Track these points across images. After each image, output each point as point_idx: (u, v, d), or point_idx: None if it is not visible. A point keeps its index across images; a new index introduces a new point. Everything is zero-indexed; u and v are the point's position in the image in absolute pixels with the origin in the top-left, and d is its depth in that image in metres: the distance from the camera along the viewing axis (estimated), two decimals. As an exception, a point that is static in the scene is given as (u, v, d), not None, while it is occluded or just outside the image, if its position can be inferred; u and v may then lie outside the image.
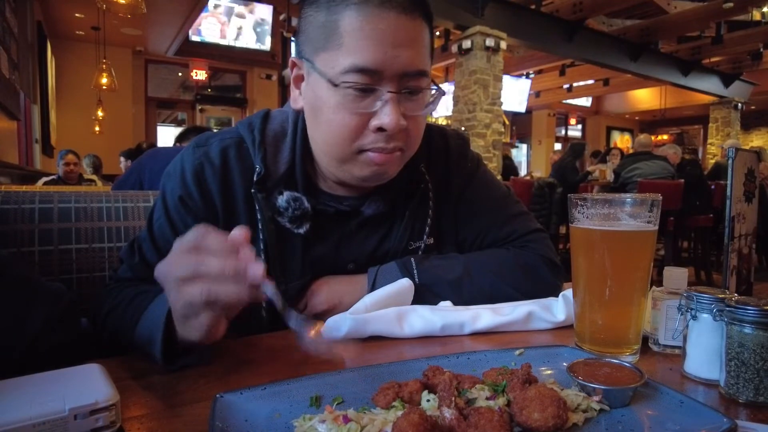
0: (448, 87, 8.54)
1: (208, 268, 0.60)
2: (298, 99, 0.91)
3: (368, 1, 0.79)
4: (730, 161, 0.87)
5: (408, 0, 0.81)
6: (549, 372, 0.64)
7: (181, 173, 0.91)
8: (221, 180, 0.91)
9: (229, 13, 11.18)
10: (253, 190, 0.90)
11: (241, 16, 11.27)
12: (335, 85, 0.80)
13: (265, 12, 11.31)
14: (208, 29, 11.02)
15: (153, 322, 0.70)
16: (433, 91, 0.88)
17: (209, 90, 12.62)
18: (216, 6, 10.85)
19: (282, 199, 0.91)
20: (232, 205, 0.91)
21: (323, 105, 0.83)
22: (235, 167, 0.92)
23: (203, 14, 10.03)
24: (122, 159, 7.13)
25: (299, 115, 0.94)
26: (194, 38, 10.88)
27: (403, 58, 0.81)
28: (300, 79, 0.90)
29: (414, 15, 0.82)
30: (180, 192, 0.90)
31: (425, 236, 1.02)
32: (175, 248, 0.64)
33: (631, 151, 8.18)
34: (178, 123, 12.83)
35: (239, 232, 0.63)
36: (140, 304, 0.76)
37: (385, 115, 0.81)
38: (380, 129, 0.82)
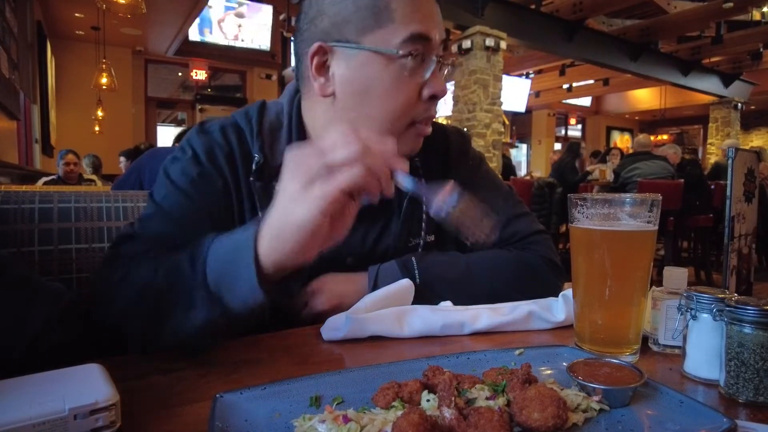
0: (448, 86, 8.53)
1: (370, 144, 0.61)
2: (325, 86, 0.90)
3: None
4: (729, 161, 0.87)
5: None
6: (549, 372, 0.64)
7: (193, 155, 0.91)
8: (230, 163, 0.92)
9: (229, 12, 11.17)
10: (251, 179, 0.91)
11: (240, 15, 11.27)
12: (396, 57, 0.85)
13: (265, 12, 11.31)
14: (208, 29, 11.02)
15: (234, 249, 0.66)
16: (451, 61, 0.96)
17: (209, 90, 12.62)
18: (216, 6, 10.84)
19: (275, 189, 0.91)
20: (238, 186, 0.92)
21: (376, 83, 0.87)
22: (237, 153, 0.93)
23: (203, 14, 10.02)
24: (122, 159, 7.13)
25: (293, 107, 0.96)
26: (194, 38, 10.88)
27: (441, 28, 0.90)
28: (322, 66, 0.89)
29: None
30: (197, 170, 0.90)
31: (423, 233, 1.02)
32: (307, 148, 0.63)
33: (630, 151, 8.18)
34: (178, 123, 12.83)
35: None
36: (185, 260, 0.70)
37: (438, 83, 0.89)
38: (432, 97, 0.89)
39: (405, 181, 0.64)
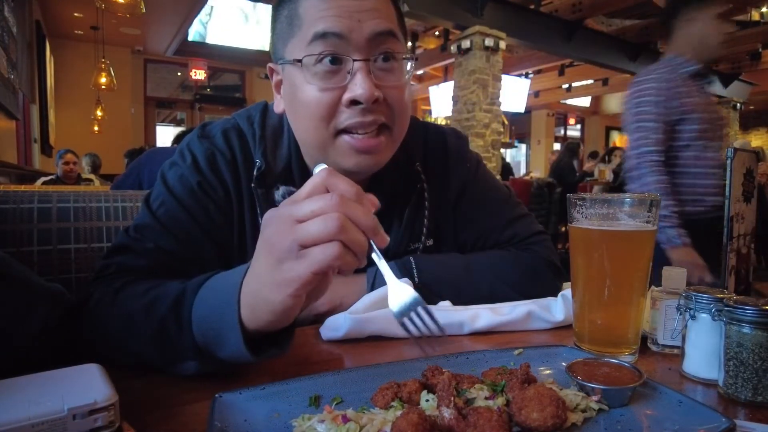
0: (447, 86, 8.53)
1: (343, 204, 0.52)
2: (279, 103, 0.91)
3: None
4: (728, 161, 0.87)
5: None
6: (548, 372, 0.64)
7: (193, 161, 0.89)
8: (232, 170, 0.90)
9: (229, 12, 11.17)
10: (253, 185, 0.90)
11: (240, 15, 11.26)
12: (301, 61, 0.79)
13: (265, 12, 11.31)
14: (208, 28, 11.01)
15: (218, 312, 0.60)
16: (411, 62, 0.85)
17: (208, 90, 12.61)
18: (215, 5, 10.84)
19: (278, 194, 0.91)
20: (240, 196, 0.91)
21: (296, 91, 0.82)
22: (239, 159, 0.92)
23: (202, 14, 10.01)
24: (127, 161, 7.11)
25: None
26: (193, 38, 10.87)
27: (369, 23, 0.78)
28: (279, 84, 0.90)
29: None
30: (197, 178, 0.88)
31: (423, 238, 1.01)
32: (282, 214, 0.55)
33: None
34: (177, 123, 12.83)
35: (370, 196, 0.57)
36: (174, 301, 0.65)
37: (357, 86, 0.77)
38: (354, 102, 0.78)
39: (377, 258, 0.57)
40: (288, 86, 0.86)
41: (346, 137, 0.82)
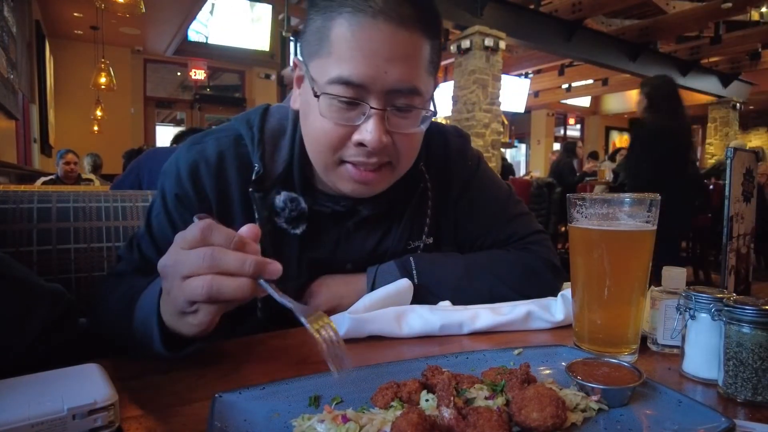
0: (447, 86, 8.54)
1: (212, 261, 0.58)
2: (296, 99, 0.90)
3: (362, 11, 0.75)
4: (728, 161, 0.87)
5: (408, 12, 0.76)
6: (548, 372, 0.64)
7: (177, 171, 0.90)
8: (216, 178, 0.90)
9: (228, 12, 11.16)
10: (250, 189, 0.90)
11: (240, 15, 11.26)
12: (317, 95, 0.78)
13: (264, 11, 11.31)
14: (207, 28, 11.01)
15: (146, 315, 0.69)
16: (429, 111, 0.84)
17: (208, 89, 12.61)
18: (215, 5, 10.84)
19: (279, 200, 0.90)
20: (227, 203, 0.91)
21: (311, 110, 0.82)
22: (231, 165, 0.91)
23: (202, 13, 10.01)
24: (125, 161, 7.11)
25: (298, 113, 0.93)
26: (193, 38, 10.87)
27: (394, 74, 0.77)
28: (301, 79, 0.89)
29: (413, 30, 0.77)
30: (176, 190, 0.89)
31: (424, 236, 1.01)
32: (178, 241, 0.62)
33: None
34: (177, 123, 12.83)
35: (248, 229, 0.62)
36: (132, 300, 0.75)
37: (367, 132, 0.79)
38: (361, 144, 0.80)
39: (269, 291, 0.60)
40: (305, 94, 0.85)
41: (348, 166, 0.84)
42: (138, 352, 0.71)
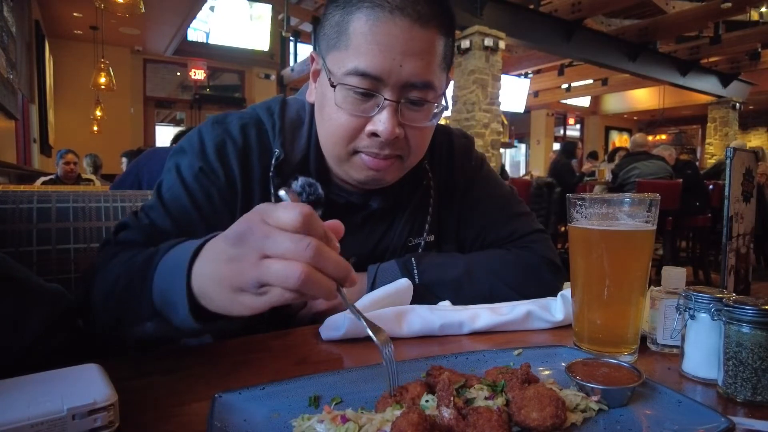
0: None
1: (316, 255, 0.50)
2: (312, 92, 0.93)
3: (381, 6, 0.78)
4: (728, 161, 0.87)
5: (425, 10, 0.80)
6: (547, 372, 0.64)
7: (201, 147, 0.90)
8: (241, 158, 0.91)
9: (228, 12, 11.16)
10: (271, 174, 0.91)
11: (239, 15, 11.26)
12: (334, 86, 0.81)
13: (264, 10, 11.30)
14: (207, 25, 11.01)
15: (170, 282, 0.62)
16: (441, 106, 0.87)
17: (208, 89, 12.61)
18: (214, 5, 10.84)
19: (297, 184, 0.92)
20: (249, 185, 0.92)
21: (326, 102, 0.85)
22: (254, 147, 0.92)
23: (202, 13, 10.01)
24: (124, 160, 7.11)
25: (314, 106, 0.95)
26: (192, 38, 10.87)
27: (409, 68, 0.80)
28: (317, 73, 0.91)
29: (428, 26, 0.81)
30: (200, 164, 0.89)
31: (425, 233, 1.02)
32: (266, 217, 0.52)
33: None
34: (176, 123, 12.84)
35: (334, 224, 0.56)
36: (146, 265, 0.68)
37: (380, 122, 0.82)
38: (374, 134, 0.83)
39: (344, 300, 0.56)
40: (321, 86, 0.88)
41: (362, 155, 0.86)
42: (140, 327, 0.66)
